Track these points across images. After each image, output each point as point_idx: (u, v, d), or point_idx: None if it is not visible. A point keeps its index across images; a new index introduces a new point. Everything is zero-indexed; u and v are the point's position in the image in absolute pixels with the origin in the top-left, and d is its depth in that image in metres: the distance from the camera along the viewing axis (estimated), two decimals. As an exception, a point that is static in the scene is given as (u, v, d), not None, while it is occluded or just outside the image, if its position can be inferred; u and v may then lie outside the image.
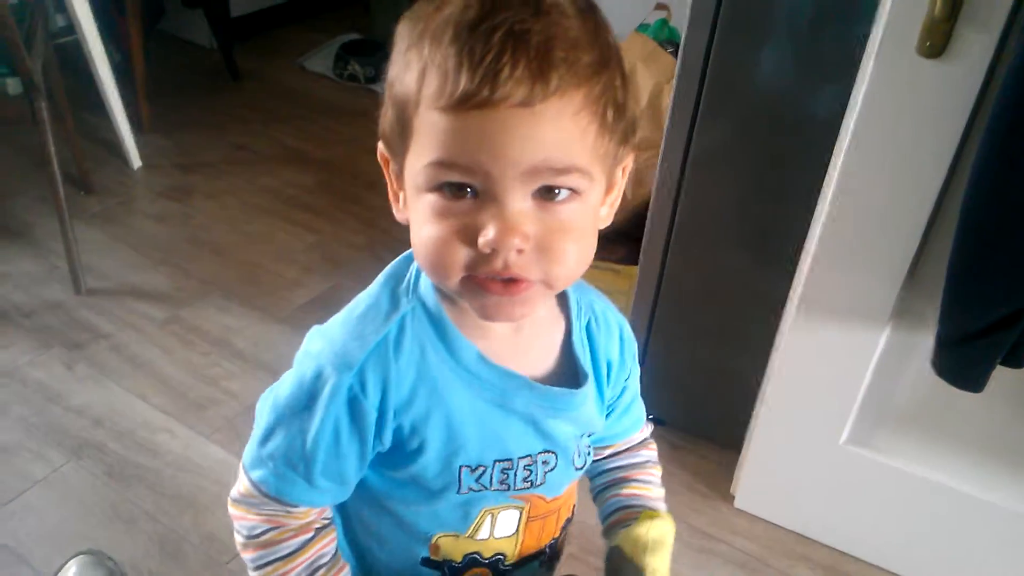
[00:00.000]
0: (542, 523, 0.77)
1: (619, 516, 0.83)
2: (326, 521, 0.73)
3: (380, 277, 0.70)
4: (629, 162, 0.65)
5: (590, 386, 0.73)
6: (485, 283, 0.58)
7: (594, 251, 0.62)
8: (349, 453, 0.66)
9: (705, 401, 1.64)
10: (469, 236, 0.56)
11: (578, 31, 0.55)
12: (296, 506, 0.69)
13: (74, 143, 2.27)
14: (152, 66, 2.61)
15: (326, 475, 0.66)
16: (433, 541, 0.73)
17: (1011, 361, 1.13)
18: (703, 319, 1.55)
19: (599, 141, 0.57)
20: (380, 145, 0.64)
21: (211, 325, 1.90)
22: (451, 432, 0.66)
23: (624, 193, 1.80)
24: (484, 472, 0.69)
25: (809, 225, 1.26)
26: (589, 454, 0.78)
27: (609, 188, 0.64)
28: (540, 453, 0.71)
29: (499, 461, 0.69)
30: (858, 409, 1.37)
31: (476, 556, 0.75)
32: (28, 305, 1.92)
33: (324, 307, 1.95)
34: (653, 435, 1.60)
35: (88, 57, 2.25)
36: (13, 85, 2.39)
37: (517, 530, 0.75)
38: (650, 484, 0.86)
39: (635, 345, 0.80)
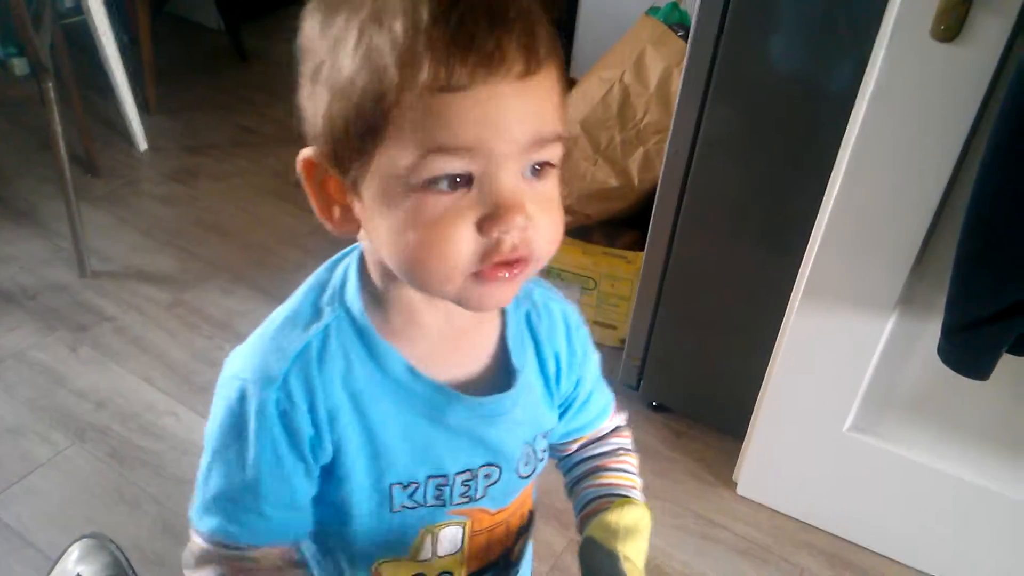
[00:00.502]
0: (488, 536, 0.73)
1: (592, 507, 0.78)
2: (296, 565, 0.68)
3: (301, 288, 0.66)
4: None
5: (529, 384, 0.69)
6: (494, 272, 0.55)
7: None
8: (293, 473, 0.62)
9: (709, 388, 1.63)
10: (473, 229, 0.53)
11: (538, 7, 0.54)
12: (255, 548, 0.63)
13: (81, 124, 2.26)
14: (159, 47, 2.60)
15: (276, 504, 0.62)
16: (374, 569, 0.69)
17: (1017, 349, 1.12)
18: (708, 306, 1.54)
19: (564, 111, 0.57)
20: (308, 153, 0.58)
21: (216, 308, 1.90)
22: (379, 448, 0.63)
23: (631, 179, 1.78)
24: (417, 489, 0.65)
25: (817, 212, 1.25)
26: (542, 458, 0.74)
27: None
28: (481, 467, 0.68)
29: (432, 477, 0.66)
30: (862, 396, 1.36)
31: None
32: (33, 287, 1.92)
33: (329, 291, 1.96)
34: (656, 422, 1.59)
35: (95, 38, 2.24)
36: (20, 65, 2.40)
37: (461, 547, 0.71)
38: (624, 472, 0.81)
39: (585, 332, 0.76)
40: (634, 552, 0.70)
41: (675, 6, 1.75)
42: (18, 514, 1.43)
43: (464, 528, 0.70)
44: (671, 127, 1.39)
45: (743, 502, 1.55)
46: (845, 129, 1.18)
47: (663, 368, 1.64)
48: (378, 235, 0.57)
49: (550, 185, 0.56)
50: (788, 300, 1.34)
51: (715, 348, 1.56)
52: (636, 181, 1.67)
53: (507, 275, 0.55)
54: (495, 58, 0.50)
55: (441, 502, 0.67)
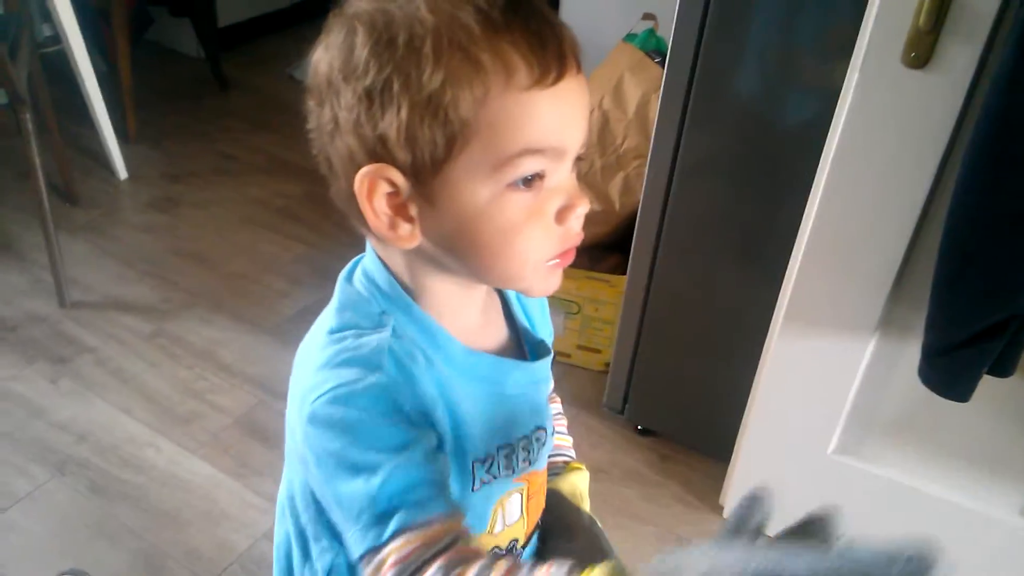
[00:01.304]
0: (538, 497, 0.78)
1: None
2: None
3: (333, 308, 0.66)
4: None
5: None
6: (567, 256, 0.61)
7: None
8: (425, 439, 0.60)
9: (694, 412, 1.63)
10: (553, 220, 0.59)
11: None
12: (443, 517, 0.57)
13: (59, 154, 2.25)
14: (139, 76, 2.60)
15: (433, 473, 0.59)
16: None
17: (997, 371, 1.13)
18: (692, 329, 1.54)
19: None
20: (371, 170, 0.57)
21: (197, 338, 1.89)
22: (462, 430, 0.65)
23: (612, 204, 1.80)
24: (492, 462, 0.68)
25: (796, 234, 1.26)
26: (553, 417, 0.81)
27: None
28: (534, 431, 0.72)
29: (502, 447, 0.69)
30: (846, 419, 1.36)
31: (496, 550, 0.74)
32: (12, 318, 1.90)
33: (311, 319, 1.95)
34: (642, 446, 1.59)
35: (74, 67, 2.24)
36: (-3, 96, 2.39)
37: (523, 512, 0.75)
38: (562, 435, 0.89)
39: (547, 304, 0.81)
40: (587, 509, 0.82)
41: (651, 33, 1.77)
42: (-4, 550, 1.41)
43: (523, 494, 0.74)
44: (650, 152, 1.41)
45: (729, 525, 1.55)
46: (821, 152, 1.19)
47: (648, 392, 1.64)
48: (448, 239, 0.60)
49: (575, 177, 0.62)
50: (770, 322, 1.35)
51: (699, 371, 1.57)
52: (617, 206, 1.68)
53: (569, 259, 0.61)
54: (564, 56, 0.55)
55: (511, 470, 0.70)
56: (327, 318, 0.66)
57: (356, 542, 0.57)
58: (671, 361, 1.59)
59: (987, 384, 1.13)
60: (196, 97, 2.89)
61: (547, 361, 0.73)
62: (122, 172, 2.43)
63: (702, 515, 1.57)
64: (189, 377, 1.78)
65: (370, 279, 0.66)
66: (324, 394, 0.58)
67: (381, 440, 0.58)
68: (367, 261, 0.67)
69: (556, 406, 0.90)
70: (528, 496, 0.75)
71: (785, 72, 1.27)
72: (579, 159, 0.60)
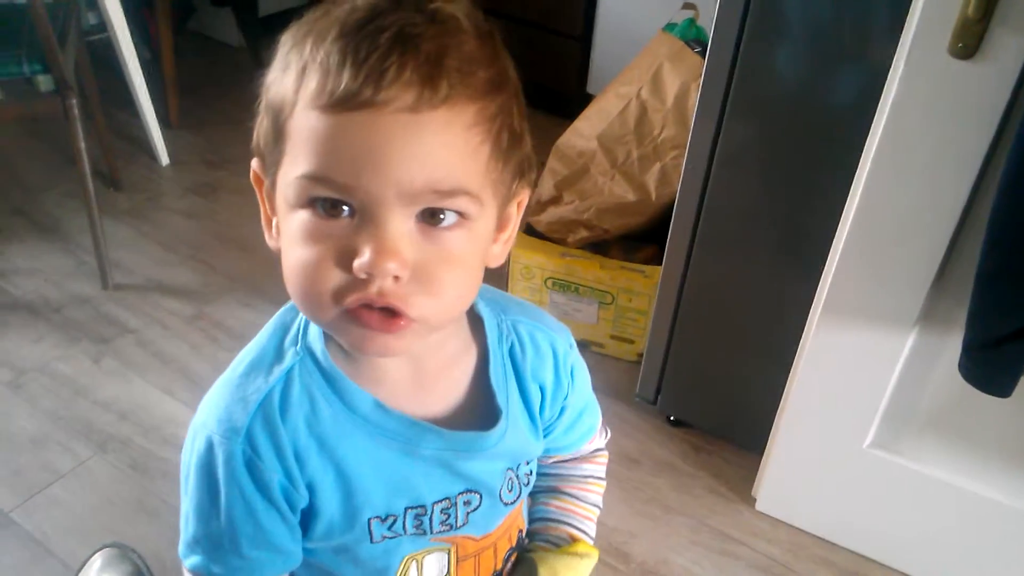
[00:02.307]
0: (476, 560, 0.72)
1: (542, 527, 0.80)
2: None
3: (267, 327, 0.65)
4: (525, 198, 0.61)
5: (514, 419, 0.68)
6: (360, 314, 0.52)
7: (477, 288, 0.59)
8: (267, 519, 0.61)
9: (728, 403, 1.63)
10: (343, 260, 0.51)
11: (474, 48, 0.52)
12: None
13: (104, 140, 2.29)
14: (181, 64, 2.63)
15: (256, 546, 0.61)
16: None
17: (1040, 367, 1.11)
18: (727, 320, 1.54)
19: (492, 165, 0.53)
20: (254, 163, 0.59)
21: (236, 321, 1.92)
22: (352, 486, 0.62)
23: (649, 194, 1.78)
24: (396, 520, 0.65)
25: (836, 226, 1.25)
26: (527, 483, 0.73)
27: (503, 224, 0.60)
28: (460, 494, 0.67)
29: (411, 508, 0.65)
30: (883, 413, 1.35)
31: None
32: (57, 300, 1.95)
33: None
34: (674, 436, 1.59)
35: (118, 54, 2.27)
36: (45, 82, 2.44)
37: (448, 573, 0.71)
38: (582, 502, 0.82)
39: (575, 358, 0.74)
40: None
41: (692, 22, 1.76)
42: (40, 524, 1.45)
43: (449, 554, 0.70)
44: (688, 142, 1.40)
45: (762, 518, 1.55)
46: (863, 144, 1.18)
47: (681, 383, 1.64)
48: (281, 253, 0.56)
49: (456, 239, 0.53)
50: (807, 315, 1.34)
51: (733, 362, 1.56)
52: (653, 196, 1.68)
53: (379, 326, 0.53)
54: (382, 83, 0.47)
55: (422, 531, 0.66)
56: (267, 324, 0.66)
57: (180, 542, 0.64)
58: (705, 352, 1.58)
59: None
60: (237, 85, 2.91)
61: (482, 435, 0.65)
62: (164, 158, 2.46)
63: (734, 507, 1.56)
64: (228, 359, 1.77)
65: (294, 312, 0.64)
66: (197, 421, 0.62)
67: (208, 498, 0.61)
68: None
69: (592, 468, 0.84)
70: (459, 558, 0.70)
71: (828, 62, 1.25)
72: (459, 216, 0.52)
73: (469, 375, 0.67)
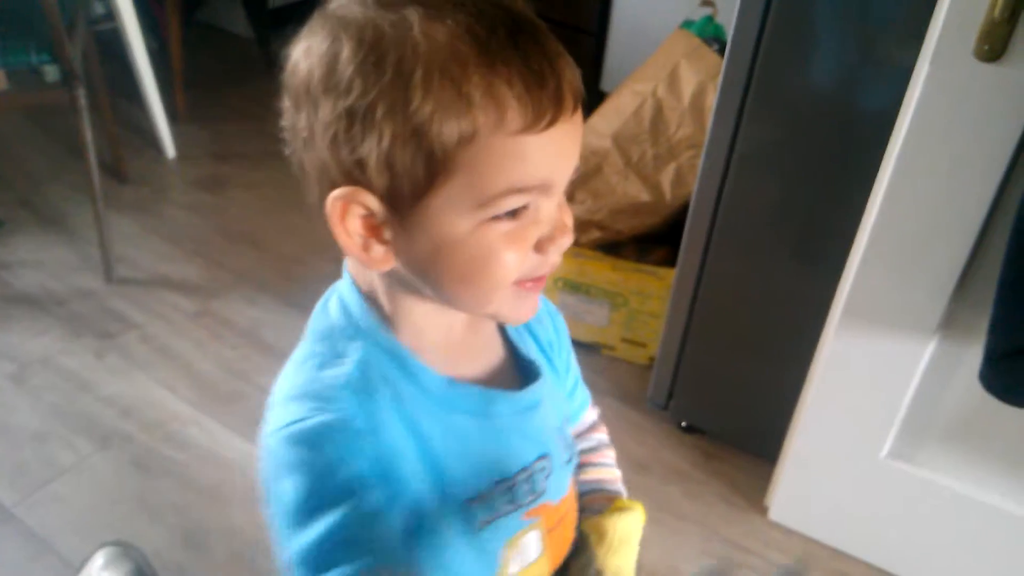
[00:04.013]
0: (561, 531, 0.74)
1: (583, 501, 0.81)
2: None
3: (307, 343, 0.63)
4: None
5: (547, 372, 0.71)
6: (535, 282, 0.60)
7: None
8: (383, 486, 0.57)
9: (741, 410, 1.60)
10: (536, 248, 0.58)
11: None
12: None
13: (110, 131, 2.28)
14: (189, 56, 2.62)
15: (384, 521, 0.57)
16: None
17: (1062, 378, 1.09)
18: (741, 325, 1.51)
19: None
20: (344, 193, 0.55)
21: (242, 318, 1.90)
22: (442, 469, 0.61)
23: (663, 194, 1.78)
24: (489, 498, 0.65)
25: (856, 231, 1.22)
26: (571, 444, 0.76)
27: None
28: (535, 461, 0.68)
29: (499, 482, 0.65)
30: (901, 422, 1.32)
31: None
32: (61, 293, 1.93)
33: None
34: (686, 443, 1.58)
35: (126, 45, 2.26)
36: (51, 72, 2.43)
37: (542, 550, 0.71)
38: (606, 467, 0.85)
39: (563, 323, 0.79)
40: (624, 561, 0.76)
41: (710, 20, 1.73)
42: (42, 520, 1.43)
43: (540, 530, 0.70)
44: (706, 142, 1.37)
45: (775, 527, 1.52)
46: (885, 147, 1.15)
47: (693, 388, 1.62)
48: (421, 263, 0.58)
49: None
50: (824, 320, 1.32)
51: (748, 368, 1.53)
52: (668, 196, 1.65)
53: (536, 288, 0.61)
54: (562, 98, 0.53)
55: (514, 505, 0.66)
56: (298, 349, 0.64)
57: None
58: (719, 357, 1.56)
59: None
60: (245, 78, 2.90)
61: (538, 387, 0.69)
62: (171, 151, 2.45)
63: (747, 516, 1.54)
64: (233, 357, 1.79)
65: (344, 306, 0.63)
66: (278, 429, 0.57)
67: (325, 489, 0.55)
68: (343, 286, 0.65)
69: (598, 437, 0.87)
70: (547, 531, 0.71)
71: (851, 63, 1.23)
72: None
73: (496, 337, 0.70)
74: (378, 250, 0.58)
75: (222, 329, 1.86)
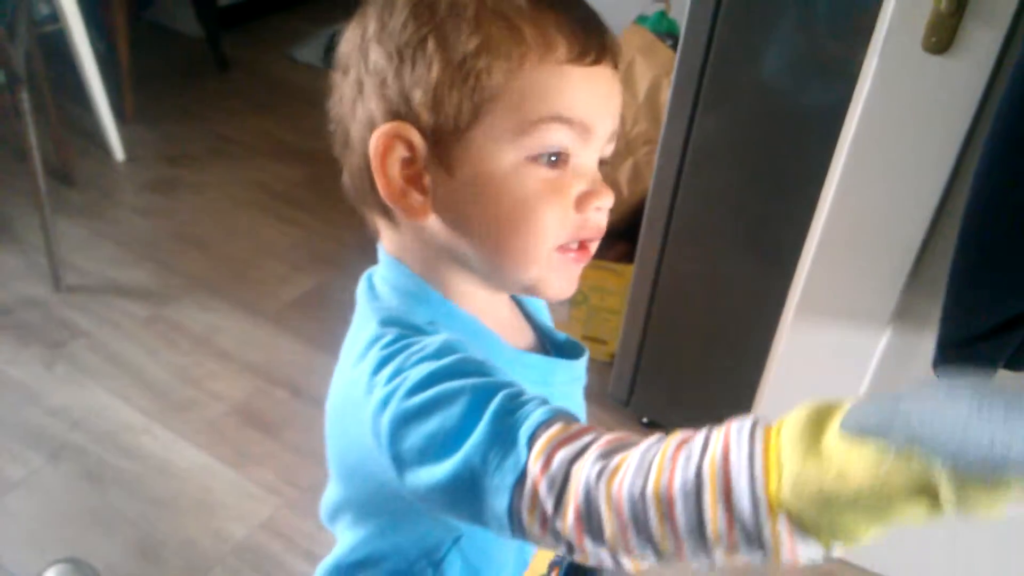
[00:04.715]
0: None
1: None
2: None
3: (379, 316, 0.58)
4: None
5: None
6: (581, 250, 0.59)
7: None
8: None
9: (701, 404, 1.60)
10: (573, 203, 0.56)
11: None
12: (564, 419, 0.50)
13: (56, 134, 2.22)
14: (137, 56, 2.56)
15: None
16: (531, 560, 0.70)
17: (1013, 365, 1.10)
18: (700, 320, 1.51)
19: None
20: (391, 128, 0.55)
21: (195, 323, 1.86)
22: None
23: (620, 191, 1.77)
24: None
25: (809, 224, 1.23)
26: None
27: None
28: None
29: None
30: (858, 413, 1.34)
31: (556, 558, 0.74)
32: (6, 302, 1.88)
33: (311, 305, 1.93)
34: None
35: (71, 46, 2.21)
36: (-7, 75, 2.35)
37: None
38: None
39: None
40: None
41: (663, 15, 1.73)
42: (-11, 537, 1.39)
43: None
44: (660, 138, 1.37)
45: (735, 520, 1.53)
46: (837, 140, 1.16)
47: (654, 383, 1.62)
48: (461, 214, 0.57)
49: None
50: (781, 313, 1.32)
51: (707, 363, 1.54)
52: (625, 192, 1.65)
53: (582, 258, 0.59)
54: (605, 47, 0.56)
55: None
56: (362, 333, 0.58)
57: (499, 490, 0.47)
58: (678, 352, 1.56)
59: (1003, 379, 1.10)
60: (195, 78, 2.85)
61: (586, 359, 0.70)
62: (119, 153, 2.39)
63: (708, 509, 1.54)
64: (186, 363, 1.75)
65: (400, 289, 0.60)
66: (399, 386, 0.51)
67: (472, 374, 0.51)
68: (384, 272, 0.62)
69: None
70: None
71: (801, 57, 1.23)
72: (603, 163, 0.59)
73: (525, 320, 0.71)
74: (416, 198, 0.57)
75: (175, 335, 1.82)
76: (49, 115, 2.17)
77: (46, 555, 1.32)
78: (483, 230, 0.57)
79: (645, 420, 1.68)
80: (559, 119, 0.54)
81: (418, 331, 0.56)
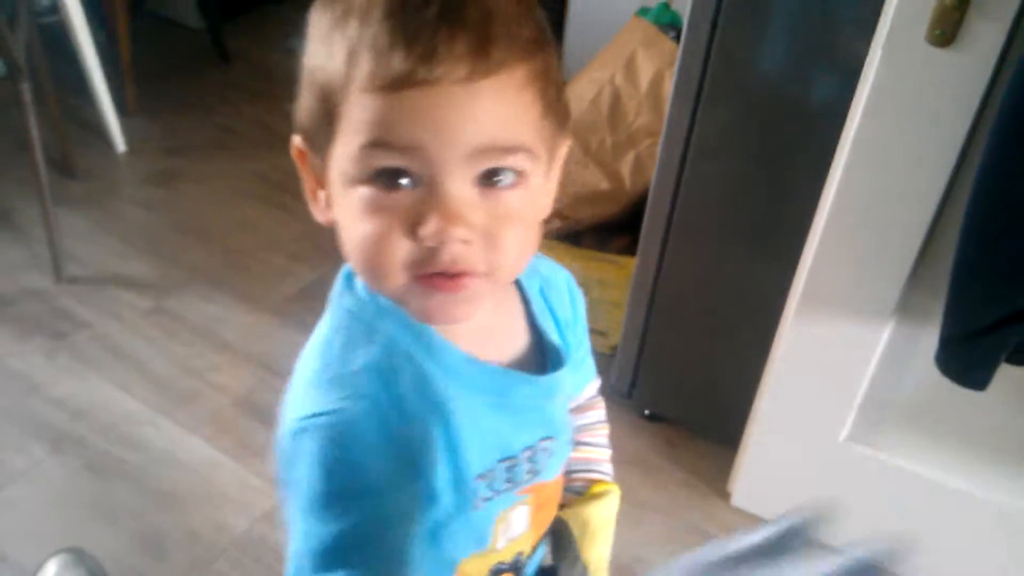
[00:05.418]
0: (549, 508, 0.75)
1: (568, 480, 0.82)
2: None
3: (334, 312, 0.63)
4: (565, 148, 0.63)
5: (568, 357, 0.71)
6: (431, 281, 0.53)
7: (537, 243, 0.59)
8: (407, 482, 0.58)
9: (702, 396, 1.61)
10: (409, 230, 0.52)
11: (515, 7, 0.53)
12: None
13: (57, 126, 2.21)
14: (138, 47, 2.55)
15: (401, 522, 0.57)
16: (459, 566, 0.68)
17: (1016, 359, 1.10)
18: (702, 312, 1.51)
19: (544, 121, 0.55)
20: (296, 139, 0.59)
21: (197, 315, 1.86)
22: (459, 446, 0.61)
23: (623, 182, 1.75)
24: (493, 476, 0.65)
25: (812, 217, 1.23)
26: (573, 422, 0.77)
27: (549, 177, 0.61)
28: (540, 441, 0.68)
29: (503, 460, 0.65)
30: (859, 406, 1.34)
31: (500, 565, 0.71)
32: (8, 293, 1.87)
33: (313, 297, 1.91)
34: (649, 431, 1.57)
35: (72, 38, 2.20)
36: (-5, 66, 2.35)
37: (528, 525, 0.72)
38: (597, 447, 0.85)
39: (582, 297, 0.77)
40: (603, 551, 0.78)
41: (666, 7, 1.73)
42: (-8, 528, 1.39)
43: (529, 506, 0.71)
44: (663, 130, 1.37)
45: (737, 513, 1.53)
46: (840, 133, 1.16)
47: (655, 376, 1.62)
48: (339, 226, 0.56)
49: (516, 198, 0.54)
50: (783, 306, 1.32)
51: (709, 355, 1.54)
52: (628, 184, 1.65)
53: (449, 288, 0.54)
54: (435, 60, 0.48)
55: (512, 484, 0.67)
56: (321, 326, 0.63)
57: None
58: (680, 345, 1.56)
59: (1005, 372, 1.11)
60: (196, 69, 2.84)
61: (560, 374, 0.68)
62: (120, 145, 2.39)
63: (709, 501, 1.55)
64: (188, 355, 1.75)
65: (364, 288, 0.62)
66: (301, 419, 0.57)
67: (344, 489, 0.55)
68: None
69: (596, 413, 0.86)
70: (536, 508, 0.72)
71: (806, 49, 1.23)
72: (516, 175, 0.53)
73: (521, 317, 0.69)
74: (322, 196, 0.58)
75: (176, 326, 1.82)
76: (50, 107, 2.16)
77: (48, 546, 1.32)
78: (346, 246, 0.56)
79: (647, 412, 1.68)
80: (375, 144, 0.51)
81: (358, 330, 0.60)
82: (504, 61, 0.50)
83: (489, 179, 0.53)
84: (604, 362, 1.76)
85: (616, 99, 1.66)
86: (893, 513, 1.40)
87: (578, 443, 0.83)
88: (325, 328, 0.63)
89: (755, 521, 1.51)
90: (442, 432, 0.60)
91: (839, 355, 1.30)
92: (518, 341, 0.68)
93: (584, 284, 1.73)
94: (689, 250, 1.45)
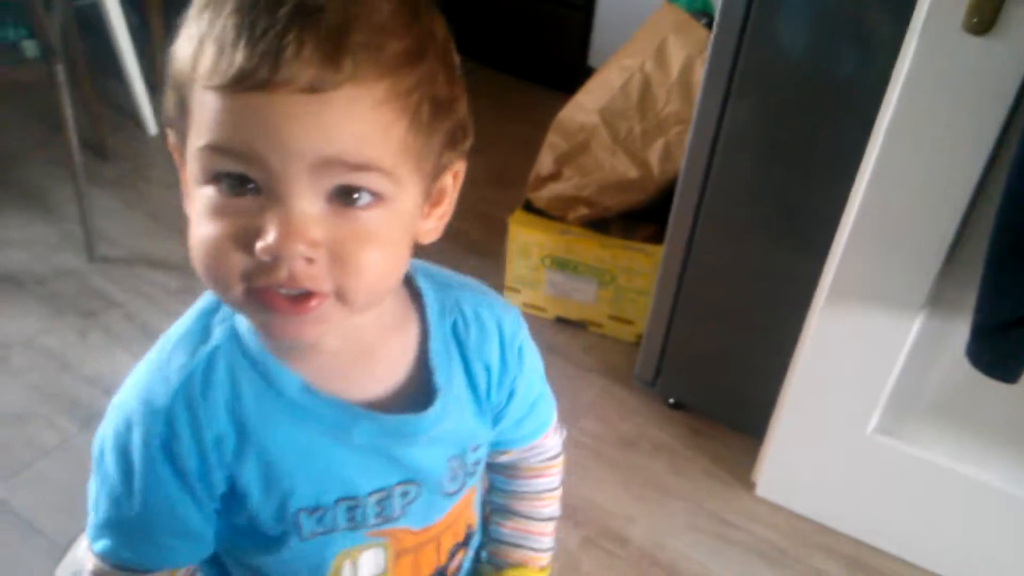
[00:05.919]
0: (415, 555, 0.68)
1: (495, 549, 0.79)
2: None
3: (195, 305, 0.62)
4: (461, 169, 0.59)
5: (457, 399, 0.64)
6: (268, 297, 0.50)
7: (404, 265, 0.56)
8: (181, 504, 0.58)
9: (728, 386, 1.60)
10: (247, 240, 0.48)
11: (387, 15, 0.48)
12: (151, 571, 0.61)
13: (91, 107, 2.24)
14: (170, 30, 2.57)
15: (167, 532, 0.59)
16: None
17: (1049, 352, 1.09)
18: (729, 302, 1.51)
19: (411, 141, 0.50)
20: (170, 132, 0.55)
21: (226, 295, 1.87)
22: (275, 475, 0.58)
23: (651, 170, 1.74)
24: (326, 513, 0.61)
25: (843, 207, 1.22)
26: (473, 471, 0.69)
27: (437, 198, 0.58)
28: (397, 485, 0.63)
29: (342, 500, 0.61)
30: (887, 398, 1.33)
31: None
32: (42, 272, 1.90)
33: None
34: (673, 420, 1.56)
35: (106, 20, 2.22)
36: (31, 47, 2.37)
37: (385, 570, 0.67)
38: (535, 520, 0.80)
39: (523, 340, 0.70)
40: None
41: (698, -6, 1.71)
42: (26, 501, 1.41)
43: (386, 549, 0.66)
44: (693, 118, 1.36)
45: (761, 503, 1.53)
46: (873, 123, 1.15)
47: (681, 365, 1.62)
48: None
49: (373, 218, 0.50)
50: (811, 297, 1.31)
51: (735, 345, 1.53)
52: (656, 172, 1.64)
53: (288, 309, 0.50)
54: (279, 62, 0.45)
55: (355, 525, 0.63)
56: (188, 310, 0.63)
57: (87, 522, 0.62)
58: (706, 334, 1.56)
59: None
60: (227, 53, 2.86)
61: (427, 416, 0.62)
62: (152, 127, 2.41)
63: (733, 491, 1.54)
64: (217, 335, 1.77)
65: None
66: (107, 425, 0.59)
67: (120, 513, 0.59)
68: None
69: (547, 481, 0.79)
70: (397, 553, 0.67)
71: (840, 37, 1.22)
72: (354, 191, 0.49)
73: (409, 353, 0.63)
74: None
75: (205, 307, 1.84)
76: (84, 88, 2.19)
77: (81, 519, 1.33)
78: (191, 247, 0.52)
79: (672, 401, 1.68)
80: (213, 148, 0.48)
81: (202, 326, 0.60)
82: (356, 74, 0.46)
83: (347, 196, 0.49)
84: (629, 350, 1.76)
85: (646, 86, 1.65)
86: (919, 506, 1.39)
87: (513, 512, 0.79)
88: (177, 323, 0.62)
89: (779, 511, 1.51)
90: (252, 455, 0.58)
91: (868, 346, 1.29)
92: (395, 376, 0.62)
93: (611, 272, 1.74)
94: (717, 239, 1.44)
